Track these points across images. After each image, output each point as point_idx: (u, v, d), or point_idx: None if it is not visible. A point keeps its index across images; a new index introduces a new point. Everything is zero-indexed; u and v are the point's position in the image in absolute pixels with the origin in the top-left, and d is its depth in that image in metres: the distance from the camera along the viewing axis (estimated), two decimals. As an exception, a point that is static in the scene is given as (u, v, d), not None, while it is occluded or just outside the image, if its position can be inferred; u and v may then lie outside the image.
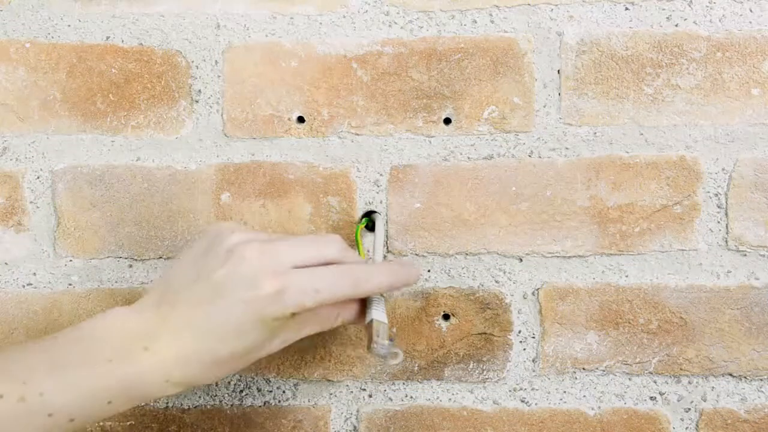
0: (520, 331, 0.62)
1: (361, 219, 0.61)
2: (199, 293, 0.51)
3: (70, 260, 0.63)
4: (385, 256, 0.61)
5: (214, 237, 0.52)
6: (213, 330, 0.51)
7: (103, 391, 0.50)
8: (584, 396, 0.62)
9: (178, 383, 0.51)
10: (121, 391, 0.50)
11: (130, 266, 0.62)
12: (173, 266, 0.53)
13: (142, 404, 0.53)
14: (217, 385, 0.64)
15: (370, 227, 0.62)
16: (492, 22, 0.60)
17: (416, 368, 0.63)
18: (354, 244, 0.60)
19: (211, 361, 0.52)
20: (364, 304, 0.53)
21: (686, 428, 0.62)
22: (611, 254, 0.62)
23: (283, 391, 0.63)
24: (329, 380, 0.63)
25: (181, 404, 0.63)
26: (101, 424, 0.63)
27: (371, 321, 0.51)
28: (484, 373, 0.62)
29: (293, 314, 0.49)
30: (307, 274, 0.49)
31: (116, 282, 0.63)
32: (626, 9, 0.60)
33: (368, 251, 0.61)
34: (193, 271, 0.52)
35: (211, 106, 0.62)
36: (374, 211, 0.61)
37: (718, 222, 0.61)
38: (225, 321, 0.50)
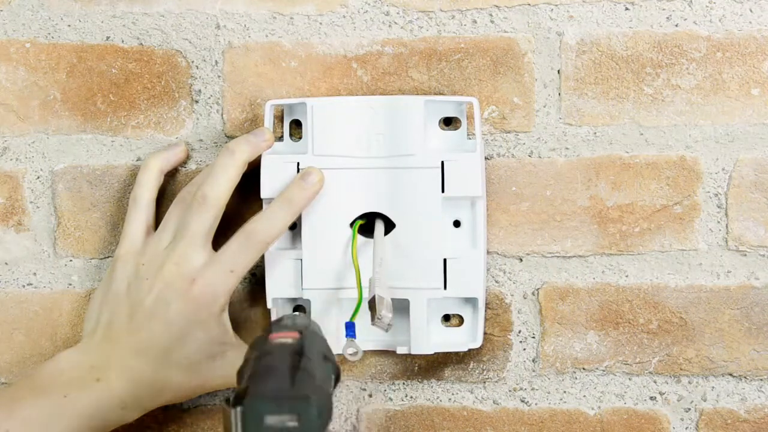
0: (520, 331, 0.62)
1: (356, 220, 0.59)
2: (137, 321, 0.55)
3: (70, 260, 0.63)
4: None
5: (125, 271, 0.57)
6: (158, 348, 0.54)
7: (60, 422, 0.51)
8: (584, 396, 0.62)
9: (134, 408, 0.54)
10: (78, 423, 0.52)
11: (130, 266, 0.62)
12: (98, 304, 0.57)
13: None
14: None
15: (365, 227, 0.59)
16: (492, 22, 0.60)
17: (416, 368, 0.63)
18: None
19: (164, 378, 0.55)
20: None
21: (686, 428, 0.62)
22: (611, 254, 0.62)
23: (283, 391, 0.63)
24: (329, 380, 0.63)
25: (181, 404, 0.63)
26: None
27: (374, 296, 0.53)
28: (484, 373, 0.62)
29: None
30: (215, 264, 0.54)
31: (116, 282, 0.63)
32: (626, 9, 0.60)
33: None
34: (124, 304, 0.55)
35: (211, 106, 0.62)
36: (377, 215, 0.59)
37: (718, 222, 0.61)
38: (167, 336, 0.54)
